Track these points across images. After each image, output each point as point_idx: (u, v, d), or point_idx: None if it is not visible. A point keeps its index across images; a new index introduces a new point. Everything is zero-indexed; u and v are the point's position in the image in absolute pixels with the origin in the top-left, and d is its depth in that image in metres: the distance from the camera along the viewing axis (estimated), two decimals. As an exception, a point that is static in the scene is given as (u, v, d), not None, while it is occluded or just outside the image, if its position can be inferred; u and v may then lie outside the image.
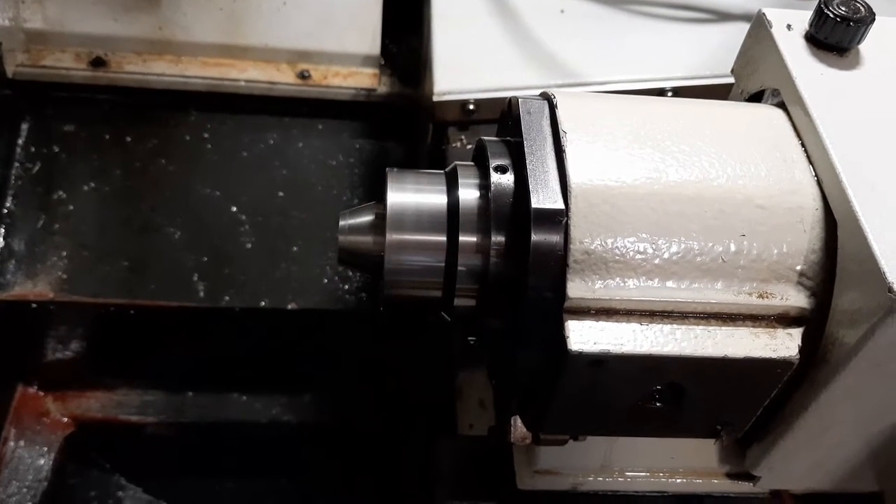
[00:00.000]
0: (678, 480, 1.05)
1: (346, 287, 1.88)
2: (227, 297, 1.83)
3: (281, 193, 1.94)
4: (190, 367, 1.98)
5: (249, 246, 1.88)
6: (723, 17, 1.71)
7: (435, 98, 1.61)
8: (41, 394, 1.92)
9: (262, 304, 1.84)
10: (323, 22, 2.00)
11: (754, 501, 1.05)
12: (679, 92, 1.62)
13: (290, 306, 1.84)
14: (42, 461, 1.85)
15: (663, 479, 1.05)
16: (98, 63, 1.93)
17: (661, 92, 1.62)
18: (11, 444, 1.85)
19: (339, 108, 2.03)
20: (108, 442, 1.98)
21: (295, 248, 1.90)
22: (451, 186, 0.85)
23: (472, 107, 1.60)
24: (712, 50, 1.64)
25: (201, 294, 1.83)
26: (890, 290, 0.69)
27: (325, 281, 1.88)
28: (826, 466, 0.91)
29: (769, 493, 1.02)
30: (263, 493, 2.08)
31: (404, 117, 1.99)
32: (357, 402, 2.00)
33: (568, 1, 1.74)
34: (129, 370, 1.96)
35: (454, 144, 1.62)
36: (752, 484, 0.96)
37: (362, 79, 2.02)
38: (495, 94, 1.60)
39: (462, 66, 1.64)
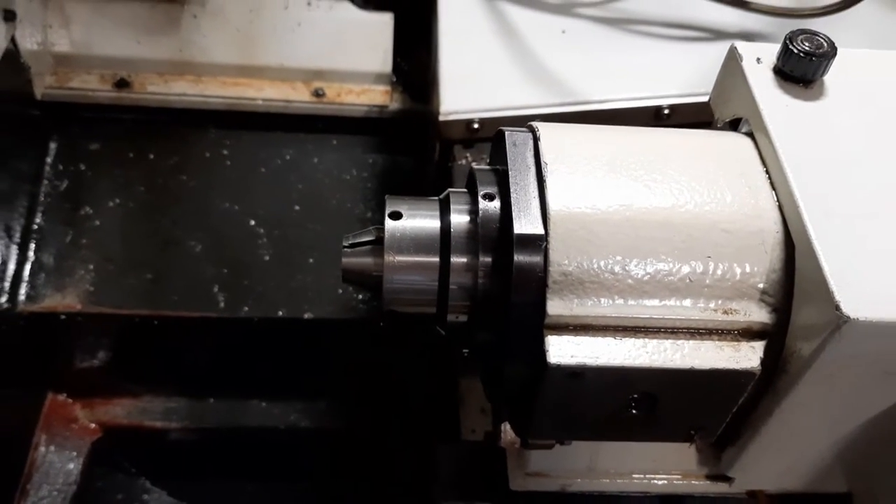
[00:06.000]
0: (660, 482, 1.11)
1: (360, 297, 1.90)
2: (245, 308, 1.86)
3: (297, 207, 1.98)
4: (211, 375, 2.00)
5: (267, 258, 1.92)
6: (718, 35, 1.75)
7: (441, 117, 1.64)
8: (70, 401, 1.95)
9: (280, 313, 1.87)
10: (336, 41, 2.05)
11: (732, 501, 1.11)
12: (675, 109, 1.65)
13: (306, 316, 1.87)
14: (71, 465, 1.88)
15: (646, 481, 1.11)
16: (122, 84, 1.98)
17: (658, 110, 1.65)
18: (42, 449, 1.88)
19: (353, 125, 2.07)
20: (133, 447, 2.00)
21: (311, 260, 1.93)
22: (444, 212, 0.91)
23: (476, 125, 1.63)
24: (708, 68, 1.63)
25: (221, 304, 1.86)
26: (837, 307, 0.74)
27: (340, 291, 1.90)
28: (795, 468, 0.97)
29: (745, 493, 1.08)
30: (282, 497, 2.10)
31: (415, 132, 2.02)
32: (370, 408, 2.02)
33: (569, 22, 1.78)
34: (153, 378, 1.99)
35: (460, 161, 1.65)
36: (728, 485, 1.03)
37: (374, 96, 2.06)
38: (499, 114, 1.64)
39: (467, 86, 1.68)
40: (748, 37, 1.75)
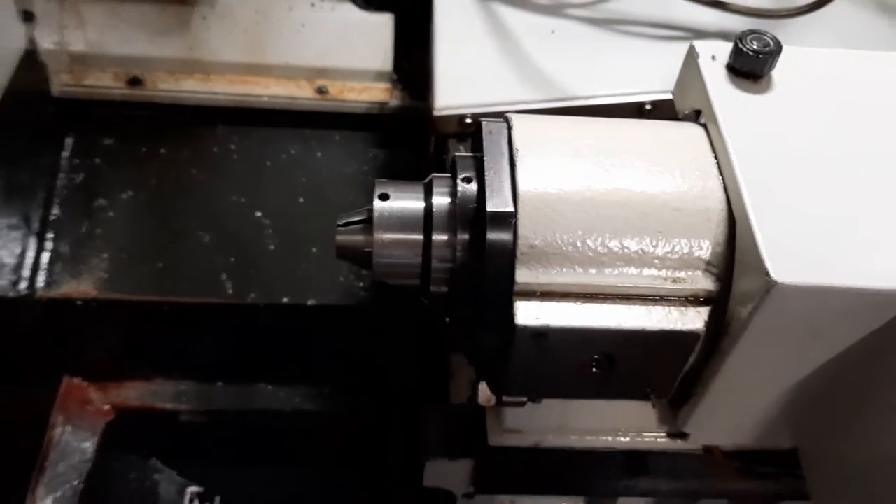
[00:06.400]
0: (626, 439, 1.20)
1: (361, 285, 1.96)
2: (252, 295, 1.92)
3: (301, 199, 2.05)
4: (219, 360, 2.05)
5: (272, 248, 1.98)
6: (698, 35, 1.80)
7: (435, 113, 1.68)
8: (85, 384, 2.01)
9: (284, 300, 1.92)
10: (339, 41, 2.11)
11: (690, 457, 1.21)
12: (657, 105, 1.70)
13: (309, 302, 1.93)
14: (86, 445, 1.93)
15: (612, 438, 1.20)
16: (135, 82, 2.05)
17: (641, 105, 1.70)
18: (59, 429, 1.93)
19: (355, 121, 2.13)
20: (145, 428, 2.05)
21: (314, 250, 1.99)
22: (428, 194, 1.00)
23: (469, 120, 1.67)
24: (688, 66, 1.76)
25: (229, 292, 1.92)
26: (767, 274, 0.84)
27: (342, 279, 1.97)
28: (743, 424, 1.05)
29: (702, 448, 1.18)
30: (288, 477, 2.12)
31: (414, 128, 2.05)
32: (370, 389, 2.07)
33: (558, 22, 1.83)
34: (164, 362, 2.04)
35: (454, 154, 1.71)
36: (684, 441, 1.12)
37: (375, 93, 2.13)
38: (490, 109, 1.67)
39: (461, 84, 1.72)
40: (727, 36, 1.79)
